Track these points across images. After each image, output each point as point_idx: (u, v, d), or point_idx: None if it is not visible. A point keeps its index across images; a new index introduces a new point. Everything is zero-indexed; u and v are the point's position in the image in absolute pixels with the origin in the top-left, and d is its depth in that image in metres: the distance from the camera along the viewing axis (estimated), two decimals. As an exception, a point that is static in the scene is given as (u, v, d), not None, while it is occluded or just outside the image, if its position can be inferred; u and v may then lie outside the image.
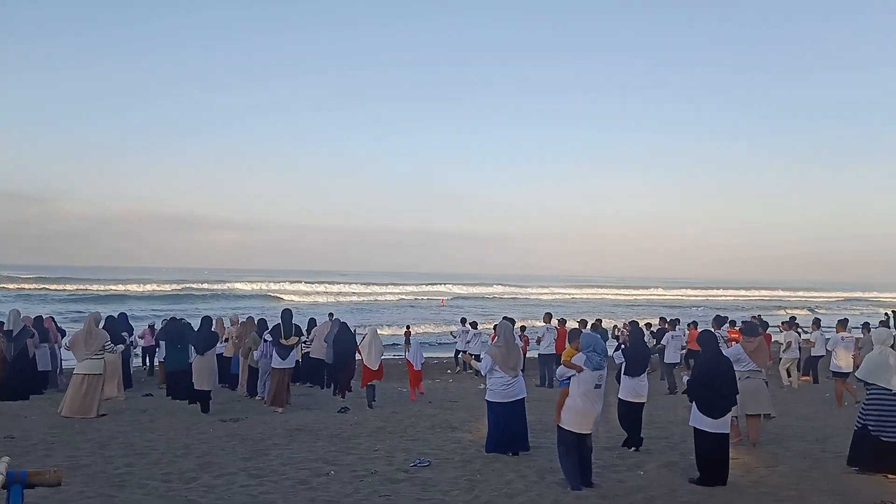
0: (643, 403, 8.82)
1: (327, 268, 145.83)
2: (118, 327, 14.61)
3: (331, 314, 17.90)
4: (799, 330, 17.39)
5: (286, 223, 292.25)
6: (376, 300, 60.12)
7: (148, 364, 18.02)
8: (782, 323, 17.79)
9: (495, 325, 9.36)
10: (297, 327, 12.64)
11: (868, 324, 15.14)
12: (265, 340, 12.72)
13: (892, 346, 7.93)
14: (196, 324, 13.45)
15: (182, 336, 13.55)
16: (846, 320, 14.71)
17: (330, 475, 7.12)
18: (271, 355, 12.18)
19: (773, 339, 16.50)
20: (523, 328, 18.76)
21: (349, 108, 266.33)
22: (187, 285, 64.31)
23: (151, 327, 18.31)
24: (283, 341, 11.86)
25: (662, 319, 18.89)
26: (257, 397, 13.06)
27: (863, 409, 7.58)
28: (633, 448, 8.52)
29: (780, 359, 16.36)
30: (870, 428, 7.35)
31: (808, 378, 16.96)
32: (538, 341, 16.98)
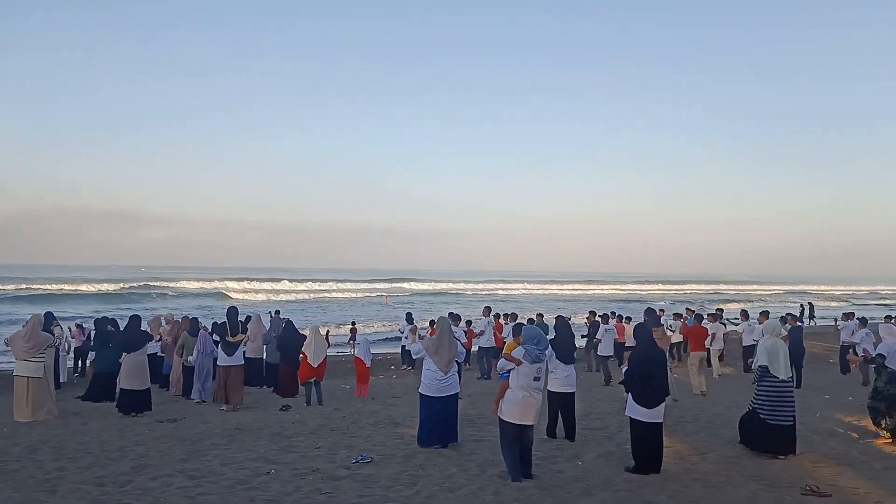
0: (574, 393, 8.99)
1: (271, 264, 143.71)
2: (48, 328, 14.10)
3: (277, 311, 17.69)
4: (724, 321, 18.15)
5: (226, 219, 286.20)
6: (321, 297, 59.51)
7: (80, 365, 17.42)
8: (709, 315, 18.52)
9: (431, 321, 9.45)
10: (244, 325, 12.48)
11: (767, 312, 16.00)
12: (206, 337, 12.47)
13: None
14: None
15: (109, 336, 13.13)
16: (767, 312, 15.47)
17: (270, 474, 7.05)
18: (210, 353, 11.94)
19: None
20: (469, 322, 18.90)
21: (292, 103, 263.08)
22: (146, 283, 62.45)
23: (80, 326, 17.70)
24: (229, 338, 11.68)
25: (592, 313, 19.43)
26: (195, 399, 12.71)
27: (755, 395, 8.13)
28: (551, 436, 8.75)
29: (709, 350, 17.00)
30: (760, 413, 7.93)
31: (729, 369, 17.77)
32: (480, 334, 17.17)
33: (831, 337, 21.51)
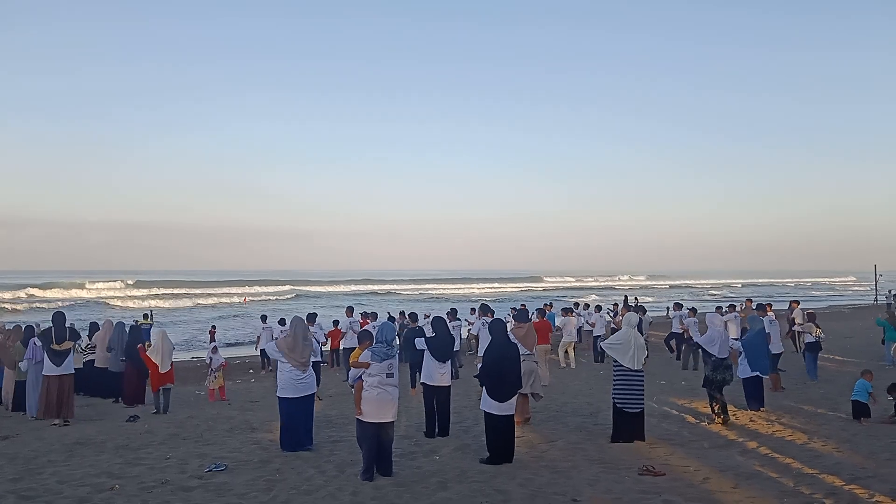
0: (450, 387, 9.14)
1: (117, 267, 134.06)
2: None
3: (145, 314, 16.69)
4: (575, 315, 19.31)
5: (62, 220, 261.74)
6: (184, 303, 55.90)
7: None
8: (562, 309, 19.60)
9: (282, 319, 9.32)
10: (73, 331, 11.57)
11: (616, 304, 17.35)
12: (36, 346, 11.48)
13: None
14: None
15: None
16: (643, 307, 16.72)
17: (114, 490, 6.66)
18: (42, 362, 11.03)
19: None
20: (336, 322, 18.77)
21: (153, 99, 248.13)
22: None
23: None
24: (54, 346, 10.77)
25: (453, 311, 20.10)
26: (29, 416, 11.62)
27: (613, 386, 8.65)
28: (435, 435, 8.86)
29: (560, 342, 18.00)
30: (616, 403, 8.48)
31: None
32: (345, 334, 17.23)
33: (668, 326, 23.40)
